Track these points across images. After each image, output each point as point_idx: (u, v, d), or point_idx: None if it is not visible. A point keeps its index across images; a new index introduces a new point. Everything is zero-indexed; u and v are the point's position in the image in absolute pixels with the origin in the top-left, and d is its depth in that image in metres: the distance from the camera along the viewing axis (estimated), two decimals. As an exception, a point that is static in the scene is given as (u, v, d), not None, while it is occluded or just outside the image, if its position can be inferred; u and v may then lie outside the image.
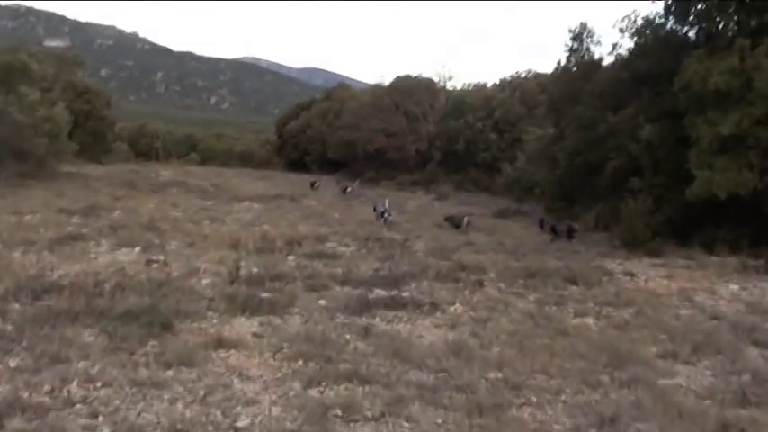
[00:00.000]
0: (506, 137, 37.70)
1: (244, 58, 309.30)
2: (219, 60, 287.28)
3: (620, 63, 18.47)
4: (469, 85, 44.68)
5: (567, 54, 20.87)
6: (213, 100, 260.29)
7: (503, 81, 42.00)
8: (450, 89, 42.61)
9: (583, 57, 20.34)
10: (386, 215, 20.90)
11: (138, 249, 11.28)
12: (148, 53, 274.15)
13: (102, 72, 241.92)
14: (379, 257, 11.86)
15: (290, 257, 11.31)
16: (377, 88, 44.50)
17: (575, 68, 20.56)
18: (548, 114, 24.83)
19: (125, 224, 14.49)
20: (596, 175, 17.91)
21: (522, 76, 41.63)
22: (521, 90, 38.78)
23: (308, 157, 58.17)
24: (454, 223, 19.82)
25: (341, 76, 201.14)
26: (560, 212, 20.42)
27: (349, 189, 33.59)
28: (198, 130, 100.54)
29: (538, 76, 41.24)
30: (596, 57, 20.66)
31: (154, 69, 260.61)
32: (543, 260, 12.22)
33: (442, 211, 25.03)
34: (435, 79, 42.39)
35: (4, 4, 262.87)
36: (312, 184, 37.46)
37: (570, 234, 16.63)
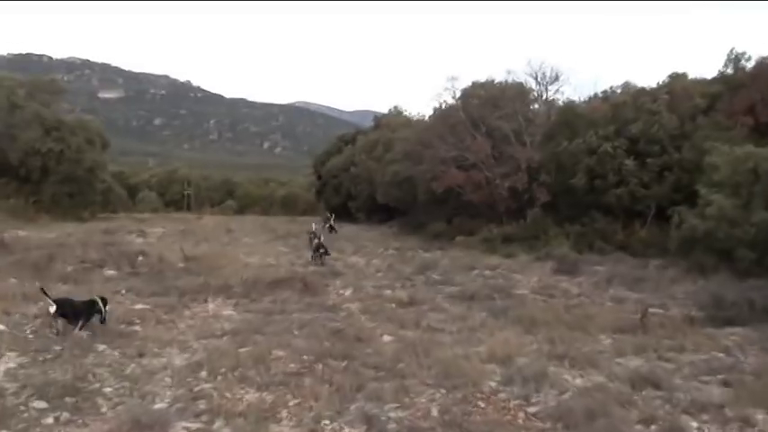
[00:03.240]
0: (651, 164, 23.69)
1: (296, 102, 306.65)
2: (272, 105, 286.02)
3: None
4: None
5: None
6: (266, 145, 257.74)
7: (628, 87, 27.85)
8: (555, 97, 28.83)
9: None
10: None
11: None
12: (201, 101, 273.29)
13: (157, 121, 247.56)
14: None
15: None
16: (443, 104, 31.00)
17: None
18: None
19: None
20: None
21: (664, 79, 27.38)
22: (672, 95, 24.72)
23: (352, 201, 45.12)
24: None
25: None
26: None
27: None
28: (250, 175, 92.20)
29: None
30: None
31: (207, 117, 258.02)
32: None
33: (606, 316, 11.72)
34: (531, 84, 28.65)
35: (59, 57, 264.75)
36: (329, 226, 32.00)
37: None
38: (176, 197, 77.55)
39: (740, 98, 23.80)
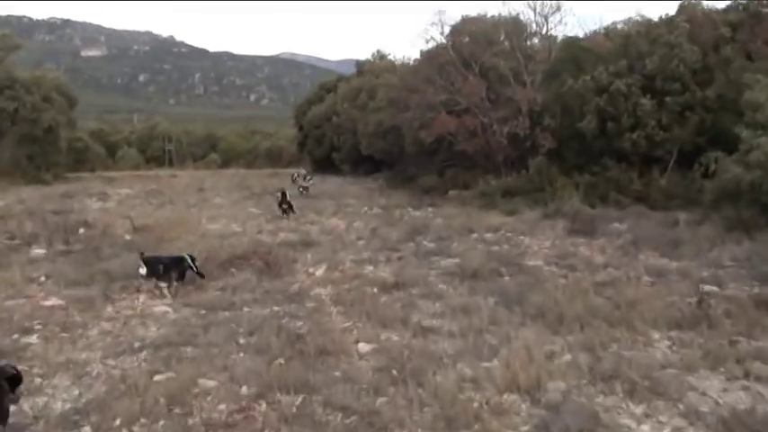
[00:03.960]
0: (670, 103, 20.70)
1: (281, 54, 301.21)
2: (257, 57, 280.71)
3: None
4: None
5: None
6: (252, 97, 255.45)
7: (640, 17, 24.42)
8: (556, 32, 25.43)
9: None
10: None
11: None
12: (185, 56, 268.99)
13: (141, 78, 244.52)
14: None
15: None
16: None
17: None
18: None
19: None
20: None
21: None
22: (692, 24, 21.50)
23: (336, 153, 41.97)
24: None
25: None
26: None
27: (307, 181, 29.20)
28: (236, 129, 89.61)
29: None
30: None
31: (191, 71, 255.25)
32: None
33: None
34: (528, 16, 25.20)
35: (40, 18, 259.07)
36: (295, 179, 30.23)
37: None
38: (157, 153, 74.98)
39: (764, 27, 20.86)
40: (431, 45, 26.09)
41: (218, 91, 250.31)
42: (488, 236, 15.87)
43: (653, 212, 18.63)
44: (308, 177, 30.80)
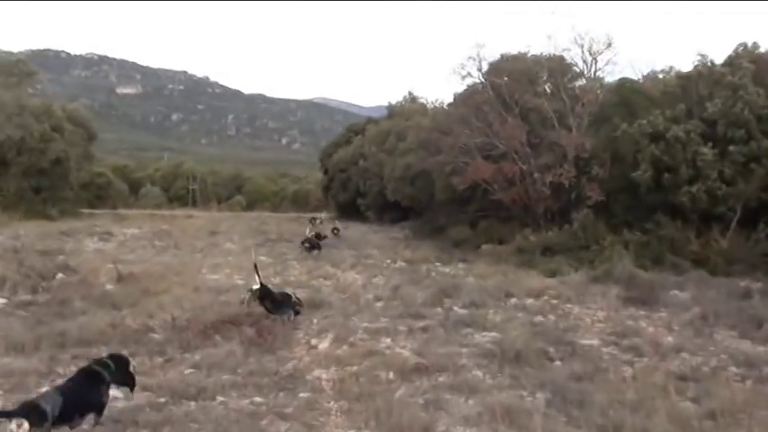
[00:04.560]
0: (734, 152, 18.31)
1: (314, 98, 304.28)
2: (290, 101, 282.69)
3: None
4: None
5: None
6: (284, 141, 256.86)
7: (701, 57, 21.95)
8: (604, 73, 23.18)
9: None
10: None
11: None
12: (219, 97, 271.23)
13: (174, 117, 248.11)
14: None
15: None
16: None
17: None
18: None
19: None
20: None
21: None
22: (758, 65, 19.25)
23: (361, 199, 39.93)
24: None
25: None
26: None
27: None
28: (267, 171, 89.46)
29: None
30: None
31: (225, 112, 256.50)
32: None
33: None
34: (574, 56, 23.04)
35: (77, 53, 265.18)
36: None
37: None
38: (181, 192, 73.93)
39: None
40: (467, 82, 23.92)
41: (250, 133, 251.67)
42: (529, 302, 13.44)
43: (714, 278, 16.16)
44: (319, 221, 30.39)
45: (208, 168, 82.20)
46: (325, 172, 49.40)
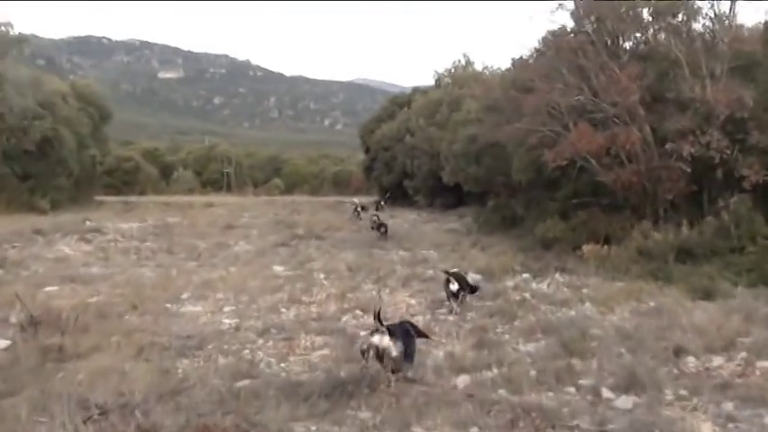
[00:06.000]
0: None
1: (356, 79, 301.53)
2: (332, 82, 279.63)
3: None
4: None
5: None
6: (327, 122, 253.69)
7: None
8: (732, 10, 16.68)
9: None
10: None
11: None
12: (261, 80, 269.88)
13: (216, 100, 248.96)
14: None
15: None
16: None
17: None
18: None
19: None
20: None
21: None
22: None
23: (408, 180, 34.13)
24: None
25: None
26: None
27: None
28: (309, 153, 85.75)
29: None
30: None
31: (267, 95, 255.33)
32: None
33: None
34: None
35: (119, 39, 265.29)
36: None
37: None
38: (215, 176, 69.52)
39: None
40: (557, 18, 17.58)
41: (292, 115, 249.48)
42: (717, 362, 7.40)
43: None
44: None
45: (242, 151, 77.70)
46: (367, 151, 43.70)
